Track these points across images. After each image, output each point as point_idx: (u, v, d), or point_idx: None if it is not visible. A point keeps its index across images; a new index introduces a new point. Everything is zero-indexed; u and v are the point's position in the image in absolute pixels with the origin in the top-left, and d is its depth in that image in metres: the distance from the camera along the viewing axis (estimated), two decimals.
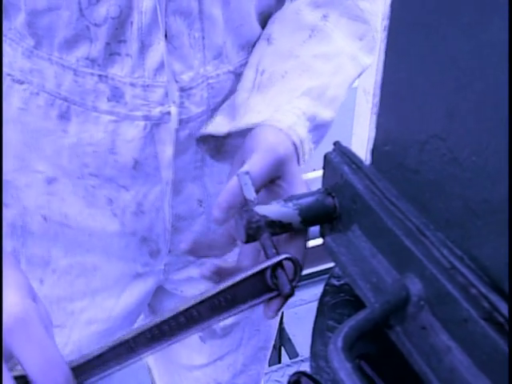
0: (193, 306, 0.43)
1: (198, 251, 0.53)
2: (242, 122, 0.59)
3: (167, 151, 0.66)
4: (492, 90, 0.29)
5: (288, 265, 0.44)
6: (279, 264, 0.44)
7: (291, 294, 0.44)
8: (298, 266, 0.44)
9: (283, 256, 0.44)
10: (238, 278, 0.43)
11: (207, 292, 0.43)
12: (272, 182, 0.55)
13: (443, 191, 0.34)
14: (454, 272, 0.32)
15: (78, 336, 0.77)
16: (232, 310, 0.44)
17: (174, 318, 0.42)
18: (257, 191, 0.52)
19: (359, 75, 0.69)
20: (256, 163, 0.53)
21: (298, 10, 0.67)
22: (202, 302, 0.43)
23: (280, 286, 0.44)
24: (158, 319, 0.42)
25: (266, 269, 0.44)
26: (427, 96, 0.34)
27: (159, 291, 0.83)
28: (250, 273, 0.44)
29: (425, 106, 0.34)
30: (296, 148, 0.57)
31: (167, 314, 0.42)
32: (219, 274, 0.50)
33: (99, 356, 0.42)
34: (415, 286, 0.34)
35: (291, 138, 0.57)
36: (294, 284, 0.44)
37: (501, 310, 0.29)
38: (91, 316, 0.76)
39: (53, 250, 0.73)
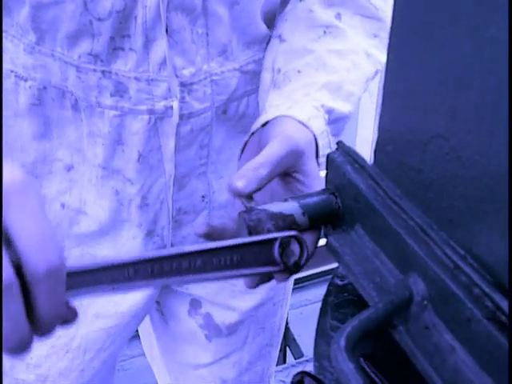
0: (199, 253, 0.42)
1: (211, 235, 0.53)
2: (262, 118, 0.59)
3: (170, 144, 0.66)
4: (493, 89, 0.29)
5: (295, 248, 0.44)
6: (287, 242, 0.44)
7: (296, 271, 0.44)
8: (304, 247, 0.44)
9: (293, 233, 0.44)
10: (247, 240, 0.43)
11: (216, 243, 0.43)
12: (288, 174, 0.55)
13: (446, 190, 0.34)
14: (457, 272, 0.32)
15: (86, 330, 0.77)
16: (235, 270, 0.43)
17: (179, 259, 0.42)
18: (271, 177, 0.51)
19: (377, 72, 0.69)
20: (273, 149, 0.52)
21: (310, 9, 0.67)
22: (208, 250, 0.42)
23: (285, 259, 0.44)
24: (162, 254, 0.41)
25: (274, 241, 0.44)
26: (429, 95, 0.34)
27: (164, 290, 0.83)
28: (258, 238, 0.44)
29: (427, 106, 0.34)
30: (316, 141, 0.57)
31: (173, 251, 0.42)
32: (210, 235, 0.50)
33: (94, 270, 0.40)
34: (418, 286, 0.34)
35: (311, 130, 0.57)
36: (300, 263, 0.44)
37: (504, 309, 0.29)
38: (99, 310, 0.77)
39: (66, 241, 0.74)
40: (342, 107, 0.62)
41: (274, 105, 0.60)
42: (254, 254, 0.44)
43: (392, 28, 0.36)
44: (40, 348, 0.77)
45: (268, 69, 0.66)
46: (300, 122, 0.57)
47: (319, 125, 0.58)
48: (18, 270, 0.35)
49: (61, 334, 0.77)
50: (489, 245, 0.31)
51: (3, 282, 0.33)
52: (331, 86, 0.62)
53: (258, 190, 0.50)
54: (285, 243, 0.44)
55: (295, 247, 0.44)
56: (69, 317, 0.39)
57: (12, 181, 0.35)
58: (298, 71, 0.63)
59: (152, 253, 0.41)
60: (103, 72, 0.62)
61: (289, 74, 0.63)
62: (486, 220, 0.31)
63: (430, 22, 0.33)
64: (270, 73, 0.65)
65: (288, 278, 0.46)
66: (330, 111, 0.61)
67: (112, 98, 0.63)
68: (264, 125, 0.58)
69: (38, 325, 0.36)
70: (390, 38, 0.37)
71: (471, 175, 0.31)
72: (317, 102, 0.60)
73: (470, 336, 0.31)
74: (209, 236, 0.52)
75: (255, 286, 0.50)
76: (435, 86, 0.33)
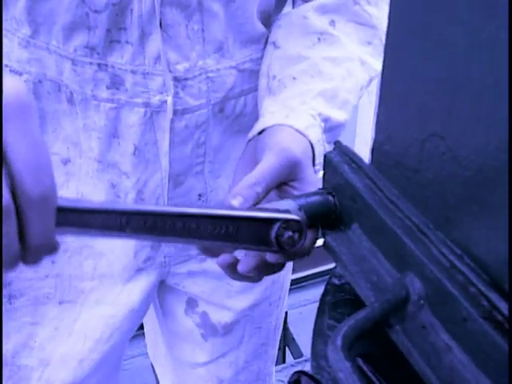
0: (196, 216, 0.41)
1: (210, 250, 0.52)
2: (258, 125, 0.59)
3: (166, 139, 0.67)
4: (490, 88, 0.29)
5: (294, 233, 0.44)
6: (286, 226, 0.43)
7: (291, 256, 0.43)
8: (303, 233, 0.44)
9: (295, 216, 0.43)
10: (246, 214, 0.43)
11: (215, 211, 0.42)
12: (285, 183, 0.54)
13: (443, 190, 0.34)
14: (453, 271, 0.32)
15: (88, 315, 0.78)
16: (228, 242, 0.43)
17: (173, 218, 0.41)
18: (268, 191, 0.51)
19: (371, 80, 0.69)
20: (269, 162, 0.52)
21: (304, 16, 0.67)
22: (205, 216, 0.42)
23: (281, 242, 0.43)
24: (158, 210, 0.41)
25: (274, 222, 0.43)
26: (426, 95, 0.34)
27: (162, 287, 0.84)
28: (259, 215, 0.43)
29: (424, 105, 0.34)
30: (312, 149, 0.57)
31: (169, 210, 0.41)
32: (208, 249, 0.50)
33: (88, 212, 0.39)
34: (415, 285, 0.34)
35: (308, 139, 0.57)
36: (297, 247, 0.43)
37: (500, 308, 0.29)
38: (100, 296, 0.78)
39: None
40: (338, 115, 0.62)
41: (270, 111, 0.60)
42: (251, 231, 0.43)
43: (389, 28, 0.36)
44: (44, 330, 0.78)
45: (263, 75, 0.67)
46: (298, 130, 0.57)
47: (316, 134, 0.58)
48: (13, 193, 0.35)
49: (64, 316, 0.78)
50: (485, 244, 0.31)
51: (3, 204, 0.34)
52: (327, 94, 0.62)
53: (255, 205, 0.51)
54: (284, 226, 0.43)
55: (294, 233, 0.44)
56: (54, 247, 0.39)
57: (15, 98, 0.34)
58: (294, 78, 0.63)
59: (148, 207, 0.41)
60: (99, 65, 0.63)
61: (284, 81, 0.63)
62: (483, 219, 0.31)
63: (427, 22, 0.33)
64: (266, 79, 0.66)
65: (280, 259, 0.45)
66: (326, 119, 0.61)
67: (108, 91, 0.64)
68: (260, 132, 0.58)
69: (28, 249, 0.37)
70: (387, 38, 0.37)
71: (468, 175, 0.31)
72: (313, 110, 0.60)
73: (466, 335, 0.31)
74: (206, 250, 0.51)
75: (249, 271, 0.49)
76: (432, 85, 0.33)
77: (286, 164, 0.53)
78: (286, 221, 0.43)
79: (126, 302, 0.78)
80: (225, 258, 0.49)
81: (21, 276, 0.75)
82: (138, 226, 0.40)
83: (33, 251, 0.37)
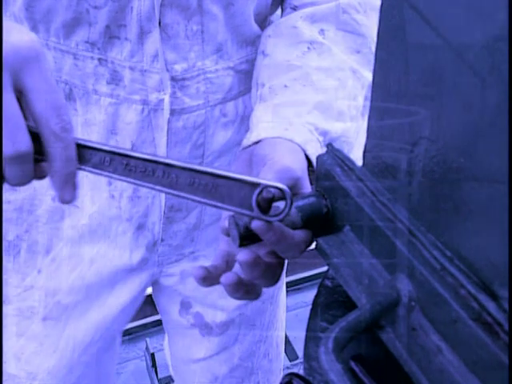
0: (175, 166, 0.43)
1: (208, 278, 0.50)
2: (254, 134, 0.58)
3: (163, 139, 0.67)
4: (477, 91, 0.29)
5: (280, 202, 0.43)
6: (270, 193, 0.42)
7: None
8: (288, 201, 0.42)
9: (279, 185, 0.42)
10: (228, 174, 0.43)
11: (195, 165, 0.43)
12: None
13: (433, 193, 0.34)
14: (443, 273, 0.32)
15: (74, 330, 0.78)
16: (207, 199, 0.43)
17: (153, 165, 0.43)
18: None
19: (363, 87, 0.69)
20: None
21: (294, 26, 0.67)
22: (184, 168, 0.43)
23: (264, 208, 0.42)
24: (139, 155, 0.43)
25: (256, 186, 0.42)
26: (416, 98, 0.34)
27: (157, 288, 0.84)
28: (242, 177, 0.42)
29: (414, 108, 0.34)
30: (311, 164, 0.57)
31: (149, 157, 0.43)
32: (207, 278, 0.49)
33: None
34: (406, 287, 0.34)
35: (307, 153, 0.56)
36: (280, 217, 0.42)
37: (489, 310, 0.29)
38: (85, 308, 0.78)
39: (54, 239, 0.74)
40: (336, 127, 0.61)
41: (264, 121, 0.59)
42: (231, 191, 0.43)
43: (379, 34, 0.36)
44: (29, 345, 0.78)
45: (253, 84, 0.67)
46: (298, 145, 0.56)
47: (314, 149, 0.57)
48: (32, 135, 0.41)
49: (48, 333, 0.77)
50: (474, 246, 0.31)
51: (25, 150, 0.40)
52: (321, 106, 0.61)
53: None
54: (266, 192, 0.42)
55: (277, 201, 0.43)
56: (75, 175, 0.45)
57: (31, 46, 0.39)
58: (285, 86, 0.63)
59: (131, 151, 0.44)
60: (100, 60, 0.63)
61: (275, 88, 0.63)
62: (472, 222, 0.31)
63: (415, 28, 0.33)
64: (255, 87, 0.66)
65: (265, 230, 0.43)
66: (323, 133, 0.60)
67: (108, 86, 0.64)
68: (256, 141, 0.58)
69: (57, 180, 0.43)
70: (377, 44, 0.37)
71: (457, 178, 0.32)
72: (310, 125, 0.59)
73: (456, 337, 0.31)
74: (206, 280, 0.49)
75: (247, 260, 0.46)
76: (421, 88, 0.34)
77: (286, 183, 0.52)
78: (268, 186, 0.42)
79: (115, 305, 0.78)
80: (228, 276, 0.47)
81: (8, 281, 0.75)
82: (120, 167, 0.44)
83: (61, 181, 0.43)
